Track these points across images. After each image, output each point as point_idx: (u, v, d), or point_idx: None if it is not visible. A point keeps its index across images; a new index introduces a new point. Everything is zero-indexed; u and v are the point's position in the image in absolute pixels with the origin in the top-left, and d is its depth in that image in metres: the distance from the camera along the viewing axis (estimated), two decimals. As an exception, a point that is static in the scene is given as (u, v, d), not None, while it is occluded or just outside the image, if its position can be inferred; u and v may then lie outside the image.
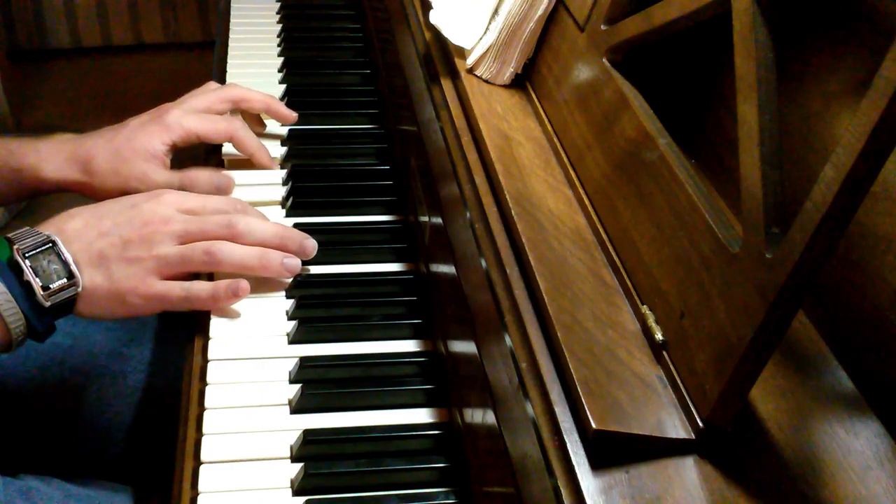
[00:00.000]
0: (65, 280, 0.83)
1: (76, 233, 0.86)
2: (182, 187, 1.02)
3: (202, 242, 0.88)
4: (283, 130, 1.17)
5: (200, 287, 0.88)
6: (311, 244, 0.93)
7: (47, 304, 0.82)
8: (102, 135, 1.03)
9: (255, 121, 1.15)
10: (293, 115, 1.14)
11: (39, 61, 2.87)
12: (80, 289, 0.84)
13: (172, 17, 2.94)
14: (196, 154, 1.11)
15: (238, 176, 1.06)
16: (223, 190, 1.03)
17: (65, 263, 0.84)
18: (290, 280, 0.93)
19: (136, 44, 2.95)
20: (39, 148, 1.01)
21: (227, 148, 1.10)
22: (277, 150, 1.14)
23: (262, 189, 1.07)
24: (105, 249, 0.85)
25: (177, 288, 0.87)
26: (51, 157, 1.01)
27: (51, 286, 0.83)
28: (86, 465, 1.05)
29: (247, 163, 1.09)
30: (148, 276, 0.86)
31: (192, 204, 0.91)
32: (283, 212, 1.04)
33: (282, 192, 1.07)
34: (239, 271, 0.90)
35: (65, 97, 2.70)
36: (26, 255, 0.82)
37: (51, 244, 0.84)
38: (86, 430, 1.05)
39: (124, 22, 2.92)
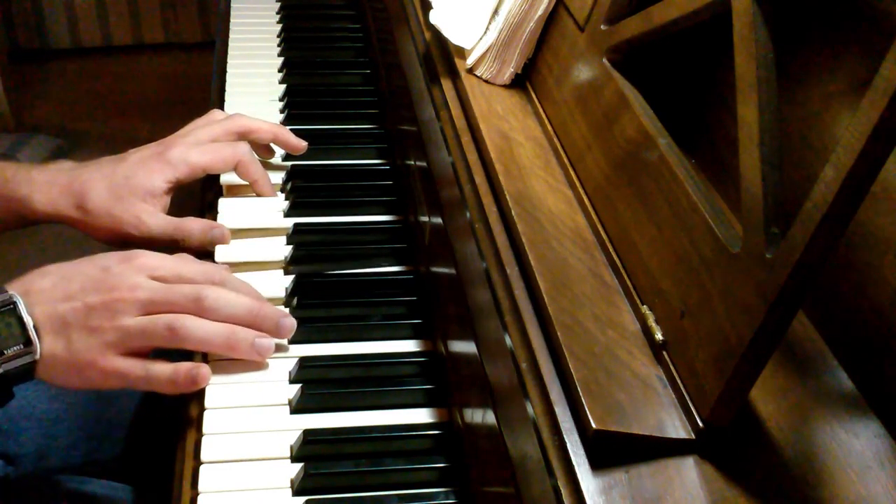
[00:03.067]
0: (20, 346, 0.78)
1: (43, 294, 0.80)
2: (175, 238, 0.97)
3: (166, 315, 0.80)
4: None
5: (160, 369, 0.80)
6: (289, 324, 0.84)
7: (0, 370, 0.78)
8: (101, 168, 0.98)
9: (263, 148, 1.10)
10: (303, 143, 1.08)
11: (39, 61, 2.87)
12: (37, 356, 0.78)
13: (172, 17, 2.94)
14: (193, 184, 1.06)
15: (236, 210, 1.03)
16: (217, 241, 0.97)
17: (23, 328, 0.78)
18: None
19: (136, 44, 2.96)
20: (34, 178, 0.97)
21: (225, 177, 1.06)
22: (277, 150, 1.13)
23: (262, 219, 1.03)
24: (68, 315, 0.79)
25: (137, 367, 0.80)
26: (44, 188, 0.96)
27: (5, 352, 0.77)
28: (86, 465, 1.05)
29: (246, 188, 1.05)
30: (108, 350, 0.79)
31: (165, 270, 0.83)
32: (283, 207, 1.04)
33: (281, 223, 1.03)
34: (204, 350, 0.84)
35: (65, 97, 2.70)
36: None
37: (11, 306, 0.78)
38: (86, 430, 1.05)
39: (124, 22, 2.92)
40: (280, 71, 1.32)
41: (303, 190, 1.07)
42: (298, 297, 0.92)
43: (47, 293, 0.80)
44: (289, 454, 0.78)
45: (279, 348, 0.87)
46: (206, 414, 0.80)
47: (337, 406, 0.82)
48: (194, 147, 1.00)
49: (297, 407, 0.81)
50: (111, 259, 0.84)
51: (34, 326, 0.78)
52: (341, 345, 0.89)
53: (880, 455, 0.56)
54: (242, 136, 1.04)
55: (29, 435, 1.04)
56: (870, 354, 0.60)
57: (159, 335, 0.80)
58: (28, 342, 0.78)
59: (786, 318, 0.52)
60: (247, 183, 1.04)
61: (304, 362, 0.85)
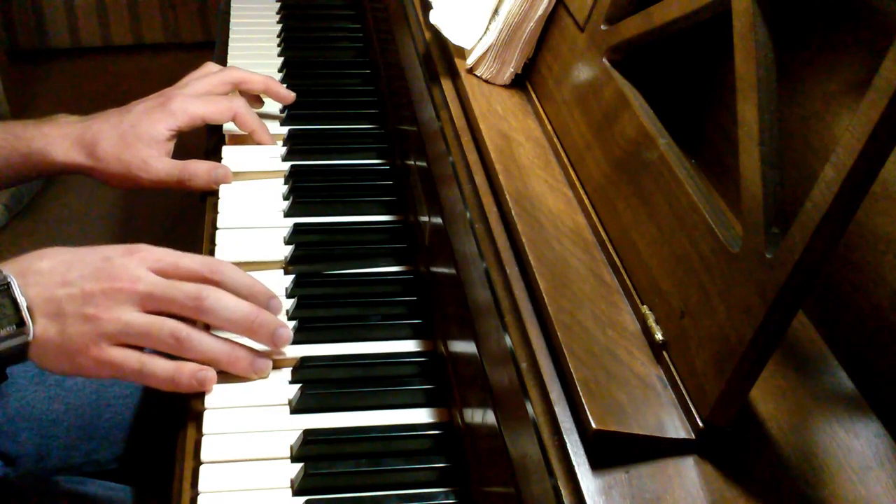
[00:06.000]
0: (13, 327, 0.78)
1: (40, 276, 0.80)
2: (181, 179, 1.04)
3: (170, 323, 0.81)
4: (283, 130, 1.17)
5: (159, 365, 0.81)
6: (285, 335, 0.84)
7: None
8: (108, 119, 1.06)
9: (253, 99, 1.17)
10: (291, 95, 1.18)
11: (39, 61, 2.87)
12: (29, 338, 0.78)
13: (172, 17, 2.94)
14: (198, 132, 1.14)
15: (238, 155, 1.10)
16: (221, 181, 1.05)
17: (17, 309, 0.78)
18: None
19: (136, 44, 2.95)
20: (47, 132, 1.04)
21: (228, 125, 1.14)
22: (277, 150, 1.14)
23: (261, 163, 1.11)
24: (64, 300, 0.79)
25: (132, 359, 0.80)
26: (59, 141, 1.04)
27: None
28: (86, 465, 1.05)
29: (247, 138, 1.13)
30: (102, 339, 0.79)
31: (166, 263, 0.83)
32: (283, 207, 1.04)
33: (281, 165, 1.11)
34: (204, 361, 0.83)
35: (65, 97, 2.70)
36: None
37: (5, 286, 0.78)
38: (85, 430, 1.05)
39: (124, 22, 2.92)
40: (280, 71, 1.32)
41: (303, 190, 1.07)
42: (298, 297, 0.92)
43: (45, 276, 0.80)
44: (289, 454, 0.78)
45: (277, 360, 0.87)
46: (206, 414, 0.80)
47: (337, 406, 0.82)
48: (194, 98, 1.08)
49: (297, 407, 0.81)
50: (114, 250, 0.84)
51: (28, 308, 0.78)
52: (341, 345, 0.89)
53: (880, 455, 0.56)
54: (236, 86, 1.14)
55: (28, 435, 1.04)
56: (870, 354, 0.60)
57: (162, 340, 0.80)
58: (21, 323, 0.78)
59: (786, 318, 0.52)
60: (246, 133, 1.12)
61: (304, 362, 0.85)
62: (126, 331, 0.80)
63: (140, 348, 0.82)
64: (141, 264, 0.82)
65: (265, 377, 0.84)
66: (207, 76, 1.13)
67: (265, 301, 0.85)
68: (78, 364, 0.80)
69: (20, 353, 0.79)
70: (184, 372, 0.81)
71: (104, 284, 0.80)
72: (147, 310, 0.81)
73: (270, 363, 0.85)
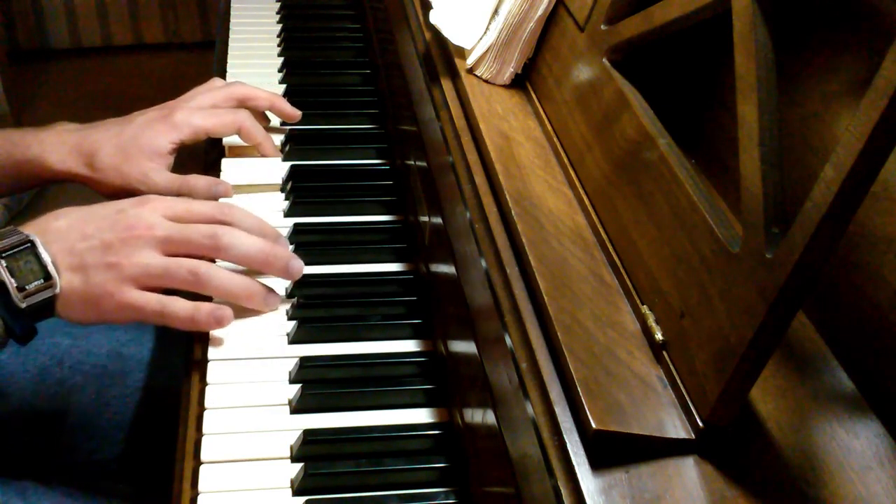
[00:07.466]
0: (41, 281, 0.81)
1: (58, 233, 0.84)
2: (180, 192, 1.02)
3: (188, 261, 0.85)
4: (283, 131, 1.17)
5: (179, 305, 0.85)
6: (298, 266, 0.89)
7: (23, 305, 0.81)
8: (108, 129, 1.04)
9: (259, 116, 1.15)
10: (297, 112, 1.14)
11: (39, 61, 2.87)
12: (57, 290, 0.82)
13: (172, 17, 2.95)
14: (197, 146, 1.12)
15: (238, 169, 1.08)
16: (221, 196, 1.03)
17: (42, 265, 0.82)
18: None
19: (136, 44, 2.96)
20: (43, 139, 1.03)
21: (228, 138, 1.12)
22: (277, 145, 1.14)
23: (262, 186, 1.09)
24: (85, 252, 0.83)
25: (153, 301, 0.84)
26: (55, 148, 1.02)
27: (27, 287, 0.81)
28: (86, 465, 1.05)
29: (248, 150, 1.11)
30: (125, 283, 0.83)
31: (178, 210, 0.88)
32: (283, 207, 1.04)
33: (282, 179, 1.08)
34: (221, 297, 0.87)
35: (65, 97, 2.70)
36: (3, 254, 0.81)
37: (29, 244, 0.82)
38: (85, 430, 1.05)
39: (124, 22, 2.92)
40: (280, 71, 1.31)
41: (303, 190, 1.07)
42: (298, 297, 0.92)
43: (63, 233, 0.84)
44: (289, 454, 0.78)
45: (277, 350, 0.87)
46: (206, 414, 0.80)
47: (337, 406, 0.82)
48: (197, 111, 1.06)
49: (297, 407, 0.81)
50: (126, 203, 0.88)
51: (52, 263, 0.82)
52: (341, 345, 0.89)
53: (880, 455, 0.56)
54: (241, 102, 1.11)
55: (28, 435, 1.04)
56: (870, 354, 0.60)
57: (180, 278, 0.85)
58: (48, 276, 0.82)
59: (786, 318, 0.52)
60: (247, 145, 1.10)
61: (304, 362, 0.85)
62: (147, 272, 0.84)
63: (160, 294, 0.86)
64: (154, 212, 0.87)
65: (275, 310, 0.90)
66: (212, 90, 1.10)
67: (274, 239, 0.91)
68: (102, 310, 0.84)
69: (47, 307, 0.83)
70: (202, 310, 0.85)
71: (122, 234, 0.85)
72: (166, 253, 0.85)
73: (279, 298, 0.90)
